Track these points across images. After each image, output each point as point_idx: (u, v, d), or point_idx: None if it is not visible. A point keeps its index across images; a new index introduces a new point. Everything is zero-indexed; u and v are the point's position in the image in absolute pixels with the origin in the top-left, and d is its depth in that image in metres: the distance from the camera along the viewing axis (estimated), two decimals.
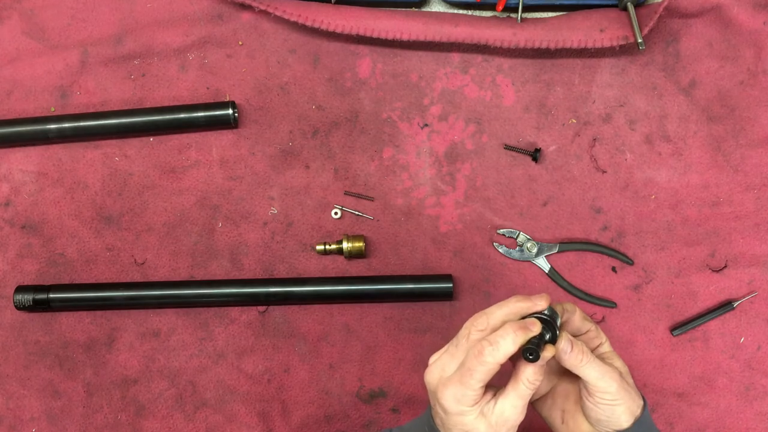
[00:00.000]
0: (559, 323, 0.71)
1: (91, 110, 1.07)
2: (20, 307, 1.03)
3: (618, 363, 0.73)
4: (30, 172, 1.08)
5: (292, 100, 1.07)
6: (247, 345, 1.06)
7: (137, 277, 1.07)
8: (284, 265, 1.06)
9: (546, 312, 0.70)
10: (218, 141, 1.07)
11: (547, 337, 0.69)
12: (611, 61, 1.04)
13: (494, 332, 0.68)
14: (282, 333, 1.06)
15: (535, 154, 1.04)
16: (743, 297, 1.03)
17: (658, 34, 1.03)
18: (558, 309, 0.72)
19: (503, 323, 0.69)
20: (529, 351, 0.66)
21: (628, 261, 1.03)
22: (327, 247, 1.04)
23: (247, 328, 1.06)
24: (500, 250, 1.04)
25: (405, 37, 1.01)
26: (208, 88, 1.07)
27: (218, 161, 1.07)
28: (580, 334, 0.73)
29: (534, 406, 0.78)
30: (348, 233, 1.05)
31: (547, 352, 0.68)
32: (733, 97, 1.03)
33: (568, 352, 0.69)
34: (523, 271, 1.05)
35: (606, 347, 0.74)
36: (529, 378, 0.68)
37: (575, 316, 0.73)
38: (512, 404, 0.69)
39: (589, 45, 0.99)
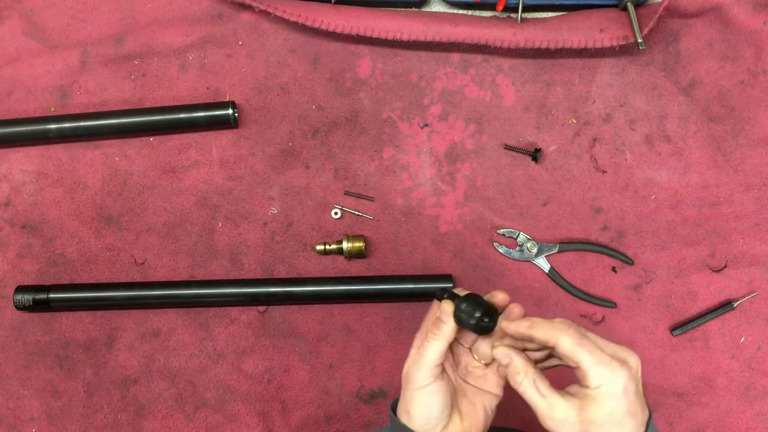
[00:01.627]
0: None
1: (91, 110, 1.07)
2: (20, 307, 1.03)
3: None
4: (30, 172, 1.08)
5: (292, 100, 1.07)
6: (247, 345, 1.06)
7: (137, 277, 1.07)
8: (284, 265, 1.06)
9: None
10: (218, 141, 1.07)
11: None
12: (611, 61, 1.04)
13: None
14: (282, 333, 1.06)
15: (535, 154, 1.04)
16: (743, 297, 1.03)
17: (658, 34, 1.03)
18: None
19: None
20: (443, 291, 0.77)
21: (628, 261, 1.03)
22: (327, 247, 1.04)
23: (247, 328, 1.06)
24: (500, 250, 1.04)
25: (405, 37, 1.01)
26: (208, 88, 1.07)
27: (218, 161, 1.07)
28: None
29: None
30: (348, 233, 1.05)
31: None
32: (733, 97, 1.03)
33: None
34: (523, 271, 1.05)
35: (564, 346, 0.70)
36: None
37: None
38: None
39: (589, 45, 0.99)
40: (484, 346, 0.77)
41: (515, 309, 0.75)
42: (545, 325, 0.69)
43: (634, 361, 0.68)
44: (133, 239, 1.07)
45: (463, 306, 0.73)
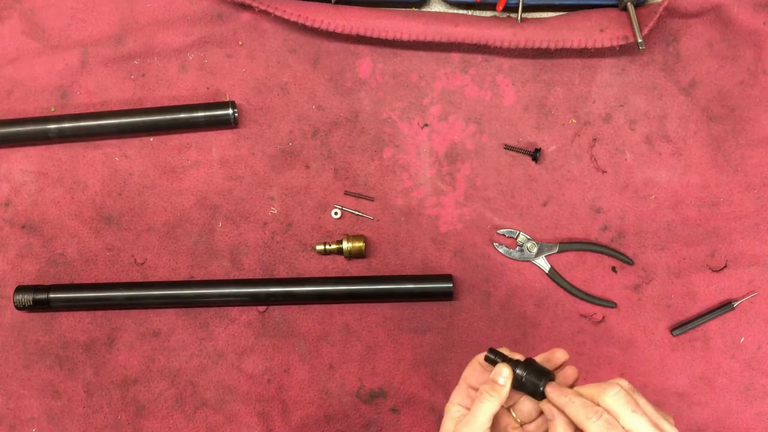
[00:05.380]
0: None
1: (91, 110, 1.07)
2: (20, 307, 1.03)
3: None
4: (30, 172, 1.08)
5: (292, 100, 1.07)
6: (247, 345, 1.06)
7: (137, 277, 1.07)
8: (284, 265, 1.06)
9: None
10: (218, 141, 1.07)
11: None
12: (611, 61, 1.04)
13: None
14: (282, 333, 1.06)
15: (535, 154, 1.04)
16: (743, 297, 1.03)
17: (658, 34, 1.03)
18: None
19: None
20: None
21: (628, 261, 1.03)
22: (327, 247, 1.04)
23: (247, 328, 1.06)
24: (500, 250, 1.04)
25: (405, 37, 1.01)
26: (208, 88, 1.07)
27: (218, 161, 1.07)
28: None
29: None
30: (348, 233, 1.05)
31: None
32: (733, 97, 1.03)
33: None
34: (523, 271, 1.05)
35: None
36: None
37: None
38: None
39: (589, 45, 0.99)
40: (527, 405, 0.78)
41: (569, 372, 0.75)
42: (578, 408, 0.70)
43: None
44: (133, 239, 1.07)
45: (525, 374, 0.74)
